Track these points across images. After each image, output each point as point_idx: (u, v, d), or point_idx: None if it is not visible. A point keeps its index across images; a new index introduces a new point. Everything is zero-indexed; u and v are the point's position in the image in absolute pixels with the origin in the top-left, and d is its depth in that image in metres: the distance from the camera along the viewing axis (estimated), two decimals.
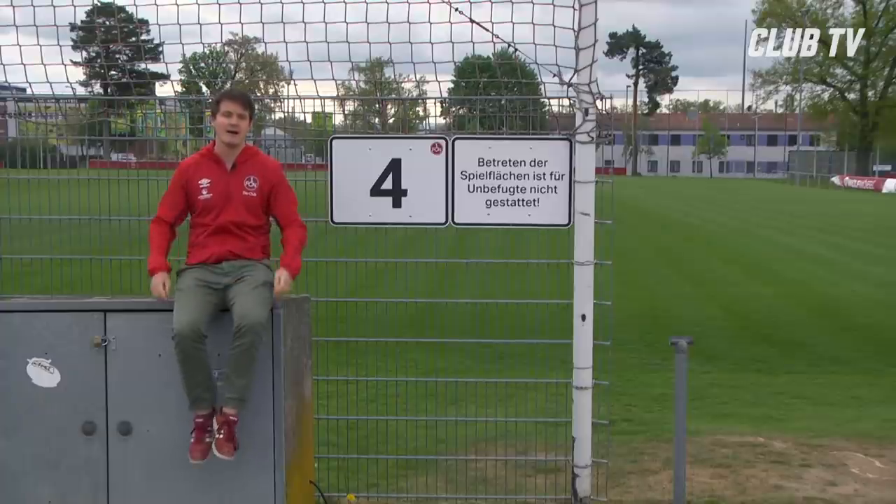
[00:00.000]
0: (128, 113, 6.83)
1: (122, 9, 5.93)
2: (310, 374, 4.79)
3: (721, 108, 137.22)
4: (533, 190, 4.88)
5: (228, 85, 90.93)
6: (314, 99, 5.32)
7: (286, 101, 6.12)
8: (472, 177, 4.91)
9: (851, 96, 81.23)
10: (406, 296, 6.18)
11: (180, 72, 6.14)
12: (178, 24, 5.16)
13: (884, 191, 60.00)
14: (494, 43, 4.80)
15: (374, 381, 6.13)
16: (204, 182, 4.38)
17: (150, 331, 4.32)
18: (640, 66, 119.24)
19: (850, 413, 7.54)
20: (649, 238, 23.39)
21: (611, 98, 4.94)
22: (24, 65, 5.02)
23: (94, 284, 5.39)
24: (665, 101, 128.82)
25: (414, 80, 7.92)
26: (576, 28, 4.65)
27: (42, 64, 5.03)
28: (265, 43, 5.56)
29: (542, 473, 5.59)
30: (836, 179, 72.10)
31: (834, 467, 5.91)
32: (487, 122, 5.85)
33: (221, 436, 4.14)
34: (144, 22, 8.87)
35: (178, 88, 6.50)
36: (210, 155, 4.44)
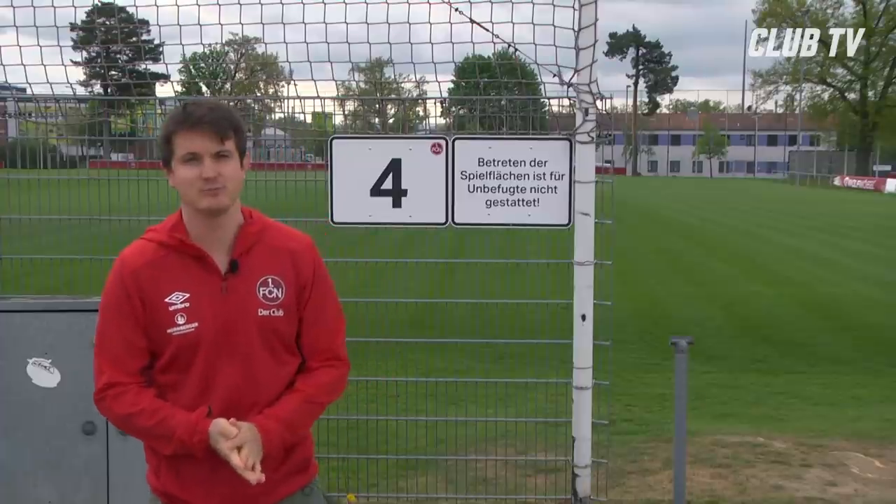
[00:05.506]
0: (128, 113, 6.84)
1: (122, 9, 5.92)
2: None
3: (721, 108, 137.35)
4: (533, 190, 4.87)
5: (228, 86, 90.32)
6: (314, 99, 5.33)
7: (286, 101, 6.13)
8: (472, 177, 4.90)
9: (851, 96, 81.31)
10: (406, 296, 6.17)
11: (180, 72, 6.17)
12: (178, 24, 5.15)
13: (885, 191, 59.99)
14: (494, 43, 4.79)
15: (374, 381, 6.12)
16: (176, 299, 2.30)
17: None
18: (640, 66, 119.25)
19: (850, 413, 7.54)
20: (649, 238, 23.38)
21: (611, 98, 4.93)
22: (24, 65, 5.00)
23: (94, 284, 5.37)
24: (665, 101, 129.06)
25: (414, 80, 7.92)
26: (576, 28, 4.64)
27: (42, 64, 5.01)
28: (265, 43, 5.56)
29: (542, 473, 5.59)
30: (836, 180, 72.10)
31: (834, 467, 5.91)
32: (487, 122, 5.84)
33: None
34: (144, 22, 8.87)
35: (178, 88, 6.51)
36: (180, 244, 2.33)
